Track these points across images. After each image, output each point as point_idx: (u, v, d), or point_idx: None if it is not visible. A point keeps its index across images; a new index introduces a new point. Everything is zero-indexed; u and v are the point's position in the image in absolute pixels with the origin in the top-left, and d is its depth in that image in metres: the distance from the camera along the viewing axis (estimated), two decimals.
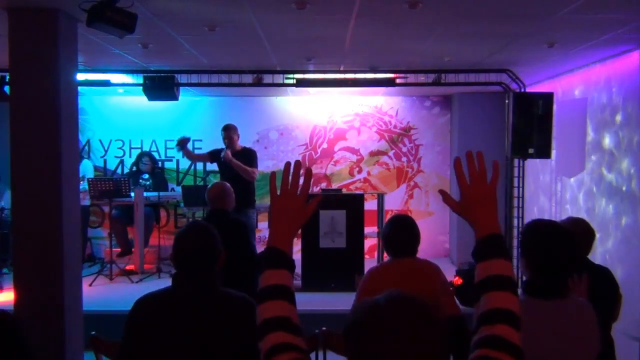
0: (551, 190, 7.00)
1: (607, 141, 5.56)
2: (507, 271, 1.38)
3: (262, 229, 8.18)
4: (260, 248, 6.08)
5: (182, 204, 7.88)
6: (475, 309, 1.37)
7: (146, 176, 7.64)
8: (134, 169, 8.07)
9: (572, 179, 6.38)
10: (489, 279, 1.37)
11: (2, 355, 2.24)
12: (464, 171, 1.46)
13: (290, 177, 1.48)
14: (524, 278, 2.27)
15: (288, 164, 1.49)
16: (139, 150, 8.60)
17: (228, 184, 4.55)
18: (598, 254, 5.42)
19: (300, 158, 8.76)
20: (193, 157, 6.52)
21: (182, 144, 6.38)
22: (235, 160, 6.29)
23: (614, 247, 5.38)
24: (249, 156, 6.47)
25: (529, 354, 1.33)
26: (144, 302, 2.35)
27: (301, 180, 1.51)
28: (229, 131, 6.45)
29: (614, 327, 3.30)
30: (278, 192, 1.49)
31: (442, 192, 1.51)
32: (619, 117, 5.34)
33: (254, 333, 2.25)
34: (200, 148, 8.68)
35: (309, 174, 1.50)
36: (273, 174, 1.51)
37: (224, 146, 6.49)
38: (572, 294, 2.30)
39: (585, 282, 2.66)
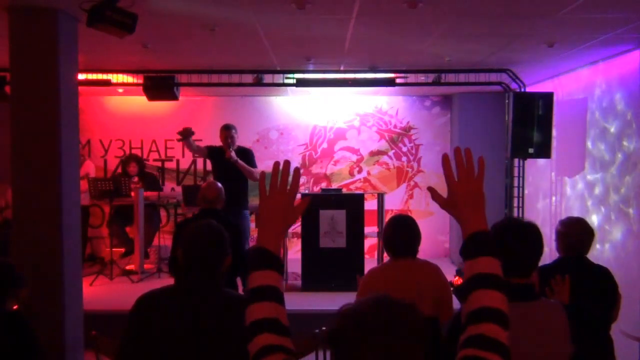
0: (551, 190, 7.00)
1: (607, 140, 5.56)
2: (494, 269, 1.34)
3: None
4: None
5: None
6: (462, 308, 1.34)
7: (135, 180, 7.55)
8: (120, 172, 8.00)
9: (571, 178, 6.38)
10: (476, 277, 1.33)
11: (14, 348, 2.27)
12: (452, 168, 1.44)
13: (279, 177, 1.45)
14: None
15: (277, 163, 1.47)
16: (139, 150, 8.61)
17: (220, 184, 4.42)
18: (599, 252, 5.42)
19: (300, 158, 8.76)
20: (194, 149, 6.22)
21: (186, 135, 6.05)
22: (241, 161, 6.09)
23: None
24: (248, 156, 6.29)
25: None
26: (147, 299, 2.33)
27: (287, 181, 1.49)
28: (231, 130, 6.21)
29: (613, 326, 3.31)
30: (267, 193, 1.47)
31: (430, 189, 1.49)
32: (619, 117, 5.33)
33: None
34: None
35: (297, 173, 1.48)
36: (262, 173, 1.50)
37: (220, 145, 6.27)
38: (542, 297, 2.23)
39: (568, 283, 2.65)
